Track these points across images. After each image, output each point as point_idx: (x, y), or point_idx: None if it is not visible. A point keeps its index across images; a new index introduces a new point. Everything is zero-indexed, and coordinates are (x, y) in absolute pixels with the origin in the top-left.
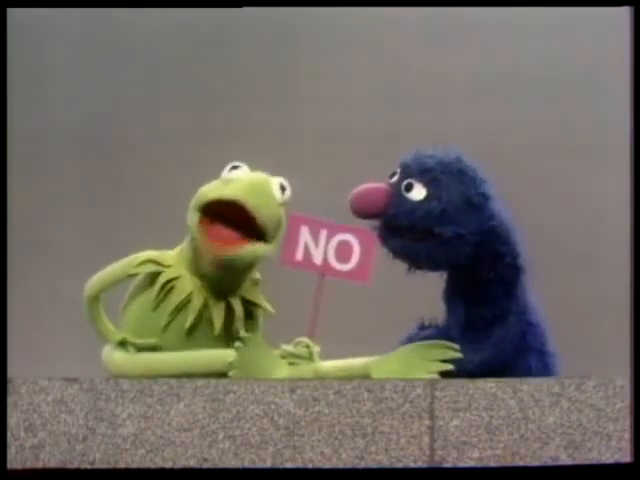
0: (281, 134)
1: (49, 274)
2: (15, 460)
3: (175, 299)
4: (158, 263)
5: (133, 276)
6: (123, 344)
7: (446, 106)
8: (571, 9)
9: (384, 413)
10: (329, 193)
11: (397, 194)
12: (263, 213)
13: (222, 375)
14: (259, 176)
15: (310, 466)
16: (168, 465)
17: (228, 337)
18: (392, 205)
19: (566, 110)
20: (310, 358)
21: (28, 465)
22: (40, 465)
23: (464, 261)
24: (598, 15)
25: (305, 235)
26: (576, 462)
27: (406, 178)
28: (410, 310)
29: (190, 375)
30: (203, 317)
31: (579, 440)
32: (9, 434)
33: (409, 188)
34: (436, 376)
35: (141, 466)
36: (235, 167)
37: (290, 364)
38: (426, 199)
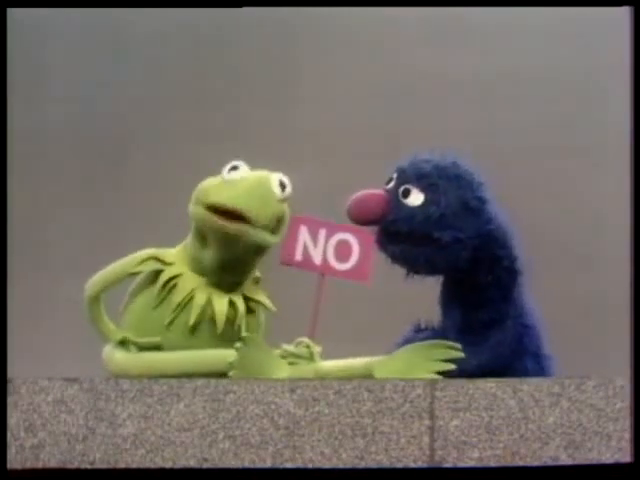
0: (281, 134)
1: (49, 274)
2: (15, 460)
3: (177, 297)
4: (160, 260)
5: (134, 275)
6: (124, 343)
7: (446, 106)
8: (571, 9)
9: (384, 413)
10: (329, 193)
11: (395, 200)
12: (261, 219)
13: (222, 375)
14: (258, 178)
15: (310, 466)
16: (168, 465)
17: (230, 335)
18: (390, 211)
19: (566, 110)
20: (311, 358)
21: (28, 465)
22: (40, 465)
23: (462, 265)
24: (598, 15)
25: (304, 235)
26: (576, 462)
27: (403, 184)
28: (410, 310)
29: (191, 375)
30: (206, 315)
31: (579, 440)
32: (9, 434)
33: (406, 194)
34: (438, 376)
35: (141, 466)
36: (235, 167)
37: (290, 364)
38: (424, 204)
